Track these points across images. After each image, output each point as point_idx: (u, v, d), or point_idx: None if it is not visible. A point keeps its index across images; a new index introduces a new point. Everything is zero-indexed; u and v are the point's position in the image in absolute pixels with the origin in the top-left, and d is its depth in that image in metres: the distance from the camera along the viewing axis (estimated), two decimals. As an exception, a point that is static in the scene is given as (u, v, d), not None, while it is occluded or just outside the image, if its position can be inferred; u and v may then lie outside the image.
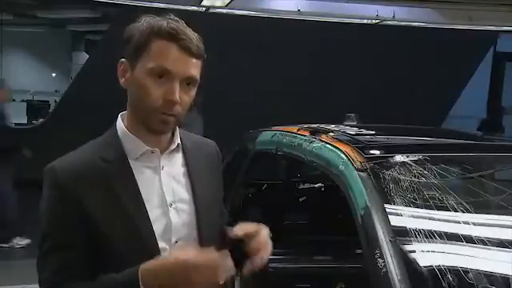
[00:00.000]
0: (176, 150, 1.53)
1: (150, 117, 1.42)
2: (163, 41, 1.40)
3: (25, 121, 12.21)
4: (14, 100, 13.60)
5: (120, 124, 1.49)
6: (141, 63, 1.41)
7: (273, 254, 2.78)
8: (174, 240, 1.46)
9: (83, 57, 15.23)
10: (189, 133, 1.62)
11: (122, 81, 1.46)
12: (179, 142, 1.53)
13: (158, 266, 1.33)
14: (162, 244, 1.44)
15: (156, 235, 1.43)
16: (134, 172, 1.44)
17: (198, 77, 1.44)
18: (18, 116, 12.20)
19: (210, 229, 1.53)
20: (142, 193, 1.44)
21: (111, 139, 1.48)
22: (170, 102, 1.40)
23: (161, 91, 1.40)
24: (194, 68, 1.43)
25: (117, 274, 1.36)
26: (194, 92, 1.46)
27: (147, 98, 1.40)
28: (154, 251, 1.42)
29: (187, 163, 1.54)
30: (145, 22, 1.43)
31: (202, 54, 1.44)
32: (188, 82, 1.43)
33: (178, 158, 1.53)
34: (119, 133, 1.48)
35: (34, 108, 13.08)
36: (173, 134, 1.52)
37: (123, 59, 1.45)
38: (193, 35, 1.43)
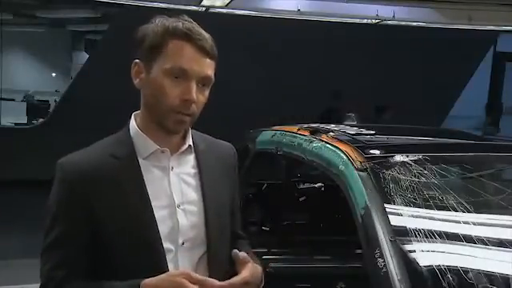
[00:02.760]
0: (188, 151, 1.53)
1: (167, 116, 1.43)
2: (179, 41, 1.41)
3: (25, 121, 12.21)
4: (14, 100, 13.67)
5: (133, 123, 1.50)
6: (157, 64, 1.42)
7: (273, 254, 2.77)
8: (180, 241, 1.46)
9: (83, 56, 15.25)
10: (203, 134, 1.62)
11: (136, 81, 1.47)
12: (191, 143, 1.53)
13: (159, 284, 1.34)
14: (167, 245, 1.44)
15: (162, 236, 1.43)
16: (142, 171, 1.45)
17: (212, 77, 1.46)
18: (17, 116, 12.22)
19: (219, 231, 1.53)
20: (149, 192, 1.44)
21: (123, 137, 1.49)
22: (186, 101, 1.42)
23: (177, 91, 1.41)
24: (209, 68, 1.45)
25: (117, 283, 1.37)
26: (207, 92, 1.47)
27: (164, 98, 1.41)
28: (159, 252, 1.42)
29: (199, 165, 1.54)
30: (159, 22, 1.44)
31: (216, 54, 1.46)
32: (203, 82, 1.44)
33: (190, 159, 1.53)
34: (131, 131, 1.49)
35: (34, 108, 13.09)
36: (184, 135, 1.53)
37: (137, 60, 1.46)
38: (207, 35, 1.45)
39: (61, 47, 17.27)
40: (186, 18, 1.46)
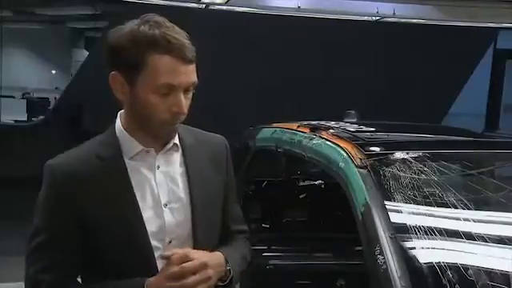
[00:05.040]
0: (174, 149, 1.52)
1: (159, 129, 1.44)
2: (161, 55, 1.36)
3: (25, 118, 12.23)
4: (13, 97, 13.68)
5: (118, 123, 1.49)
6: (141, 79, 1.38)
7: (273, 251, 2.76)
8: (167, 240, 1.47)
9: (83, 54, 15.24)
10: (193, 128, 1.61)
11: (118, 94, 1.43)
12: (176, 141, 1.52)
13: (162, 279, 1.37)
14: (155, 243, 1.44)
15: (149, 235, 1.43)
16: (128, 171, 1.45)
17: (196, 80, 1.43)
18: (18, 113, 12.24)
19: (207, 229, 1.53)
20: (136, 192, 1.44)
21: (109, 138, 1.48)
22: (177, 114, 1.41)
23: (166, 104, 1.39)
24: (193, 73, 1.42)
25: (117, 282, 1.39)
26: (191, 93, 1.45)
27: (154, 114, 1.40)
28: (148, 250, 1.43)
29: (186, 162, 1.53)
30: (133, 32, 1.38)
31: (195, 56, 1.42)
32: (189, 88, 1.43)
33: (176, 157, 1.53)
34: (117, 131, 1.48)
35: (34, 105, 13.10)
36: None
37: (115, 72, 1.41)
38: (183, 39, 1.40)
39: (61, 45, 17.27)
40: (157, 17, 1.40)
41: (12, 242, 5.98)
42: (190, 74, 1.41)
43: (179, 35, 1.40)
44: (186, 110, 1.42)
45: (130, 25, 1.40)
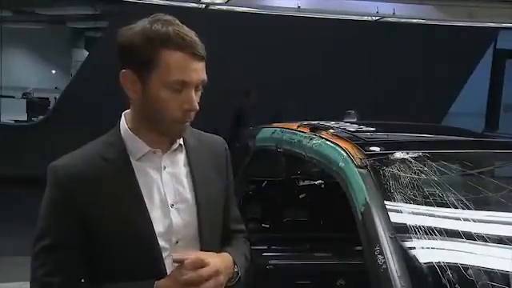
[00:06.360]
0: (179, 149, 1.53)
1: (170, 128, 1.44)
2: (174, 51, 1.38)
3: (25, 118, 12.23)
4: (13, 97, 13.68)
5: (123, 123, 1.49)
6: (153, 76, 1.39)
7: (273, 251, 2.76)
8: (174, 240, 1.47)
9: (83, 54, 15.24)
10: (194, 129, 1.61)
11: (129, 93, 1.43)
12: (181, 141, 1.53)
13: (174, 284, 1.37)
14: (162, 244, 1.44)
15: (157, 235, 1.43)
16: (135, 172, 1.45)
17: (206, 78, 1.44)
18: (17, 113, 12.23)
19: (211, 229, 1.54)
20: (143, 193, 1.44)
21: (114, 139, 1.48)
22: (189, 111, 1.42)
23: (178, 102, 1.40)
24: (203, 71, 1.44)
25: (126, 283, 1.39)
26: (200, 92, 1.46)
27: (166, 111, 1.41)
28: (156, 251, 1.43)
29: (190, 163, 1.54)
30: (145, 30, 1.39)
31: (205, 53, 1.44)
32: (199, 86, 1.44)
33: (181, 157, 1.53)
34: (122, 132, 1.48)
35: (34, 105, 13.11)
36: None
37: (126, 70, 1.42)
38: (194, 36, 1.42)
39: (61, 45, 17.27)
40: (168, 16, 1.42)
41: (12, 242, 6.00)
42: (200, 71, 1.42)
43: (190, 33, 1.42)
44: (197, 107, 1.42)
45: (141, 23, 1.41)
